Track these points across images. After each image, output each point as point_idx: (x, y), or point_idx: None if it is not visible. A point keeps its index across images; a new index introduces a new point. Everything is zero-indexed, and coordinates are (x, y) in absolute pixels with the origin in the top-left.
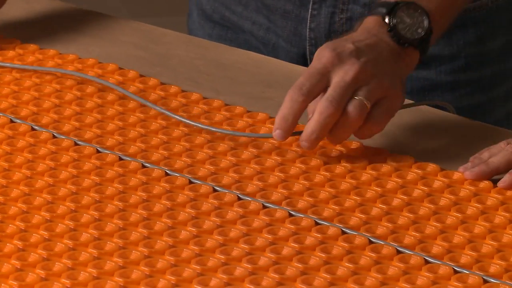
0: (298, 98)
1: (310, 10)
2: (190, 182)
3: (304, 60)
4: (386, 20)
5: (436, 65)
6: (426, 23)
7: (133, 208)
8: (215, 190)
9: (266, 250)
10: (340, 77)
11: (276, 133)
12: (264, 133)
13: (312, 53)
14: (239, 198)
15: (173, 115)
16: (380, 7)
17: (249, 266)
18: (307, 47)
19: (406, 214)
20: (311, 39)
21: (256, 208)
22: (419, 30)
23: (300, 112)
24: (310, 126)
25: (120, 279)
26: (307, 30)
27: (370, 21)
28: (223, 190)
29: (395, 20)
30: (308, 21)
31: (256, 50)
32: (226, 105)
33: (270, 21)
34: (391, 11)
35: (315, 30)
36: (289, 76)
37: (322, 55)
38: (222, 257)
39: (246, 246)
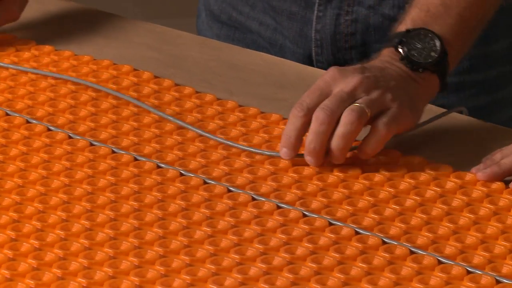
0: (298, 114)
1: (315, 12)
2: (205, 183)
3: (310, 61)
4: (399, 49)
5: None
6: (438, 45)
7: (148, 208)
8: (229, 191)
9: (280, 250)
10: (340, 88)
11: (282, 151)
12: (275, 152)
13: (318, 54)
14: (253, 199)
15: (191, 127)
16: (393, 38)
17: (263, 266)
18: (313, 48)
19: (419, 214)
20: (316, 40)
21: (270, 208)
22: (432, 54)
23: (302, 128)
24: (307, 138)
25: (136, 279)
26: (313, 31)
27: (384, 52)
28: (238, 191)
29: (406, 48)
30: (314, 23)
31: (263, 50)
32: (240, 106)
33: (277, 22)
34: (402, 39)
35: (321, 32)
36: (301, 77)
37: (326, 72)
38: (237, 256)
39: (260, 246)
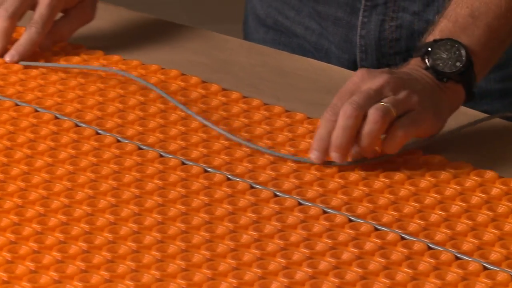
0: (330, 118)
1: (360, 18)
2: (251, 187)
3: (354, 66)
4: (425, 59)
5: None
6: (464, 55)
7: (196, 212)
8: (275, 195)
9: (326, 254)
10: (368, 86)
11: (314, 155)
12: (305, 158)
13: (362, 60)
14: (300, 204)
15: (234, 137)
16: (420, 48)
17: (309, 270)
18: (358, 53)
19: (465, 220)
20: (361, 46)
21: (316, 213)
22: (457, 64)
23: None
24: (334, 133)
25: (183, 281)
26: (358, 37)
27: (411, 62)
28: (284, 196)
29: (432, 58)
30: (359, 29)
31: (309, 54)
32: (287, 111)
33: (322, 27)
34: (429, 49)
35: (366, 37)
36: None
37: (355, 74)
38: (283, 261)
39: (307, 250)
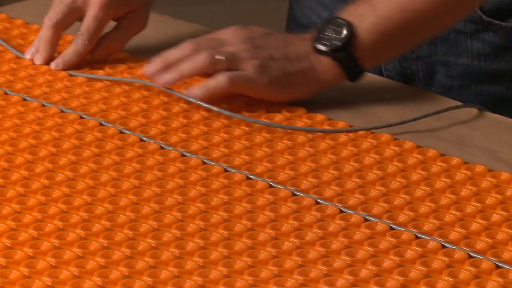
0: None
1: None
2: (293, 194)
3: (379, 69)
4: (315, 32)
5: (507, 80)
6: (344, 37)
7: (238, 219)
8: (317, 203)
9: (367, 262)
10: (223, 37)
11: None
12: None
13: (386, 63)
14: (341, 211)
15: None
16: (322, 22)
17: (350, 277)
18: (382, 64)
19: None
20: None
21: (357, 221)
22: (334, 42)
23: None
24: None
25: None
26: None
27: (312, 31)
28: (326, 203)
29: (319, 32)
30: None
31: None
32: (329, 119)
33: None
34: (323, 23)
35: None
36: (372, 85)
37: (230, 27)
38: (324, 268)
39: (348, 258)
